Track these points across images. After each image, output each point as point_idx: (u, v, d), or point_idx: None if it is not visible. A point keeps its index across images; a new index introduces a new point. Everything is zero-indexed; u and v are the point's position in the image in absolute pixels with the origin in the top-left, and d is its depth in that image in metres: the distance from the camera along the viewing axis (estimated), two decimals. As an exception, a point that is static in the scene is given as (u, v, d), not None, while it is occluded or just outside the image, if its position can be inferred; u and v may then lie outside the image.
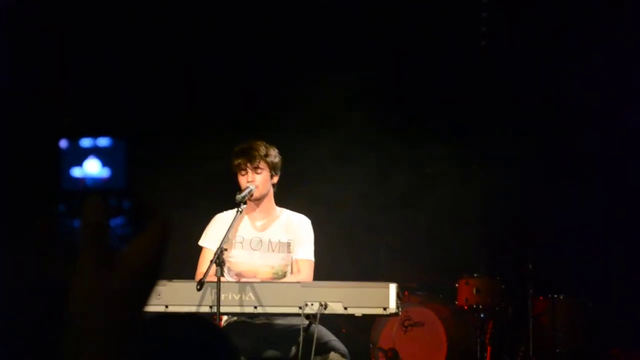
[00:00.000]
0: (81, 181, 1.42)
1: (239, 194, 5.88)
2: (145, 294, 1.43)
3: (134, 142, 1.47)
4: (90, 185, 1.42)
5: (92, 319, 1.37)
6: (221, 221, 6.12)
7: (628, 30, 8.54)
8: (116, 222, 1.43)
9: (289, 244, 6.11)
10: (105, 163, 1.43)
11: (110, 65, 7.86)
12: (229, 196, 6.13)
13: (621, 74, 8.53)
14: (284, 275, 6.08)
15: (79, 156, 1.42)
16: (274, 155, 6.09)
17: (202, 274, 5.46)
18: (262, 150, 6.03)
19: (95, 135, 1.44)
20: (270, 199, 6.16)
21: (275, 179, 6.12)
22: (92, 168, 1.42)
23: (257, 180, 5.99)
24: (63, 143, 1.43)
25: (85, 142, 1.43)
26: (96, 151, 1.43)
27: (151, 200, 1.47)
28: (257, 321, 5.81)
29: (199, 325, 2.33)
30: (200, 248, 6.16)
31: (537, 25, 8.81)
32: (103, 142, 1.43)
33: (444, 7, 8.93)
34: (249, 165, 5.98)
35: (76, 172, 1.42)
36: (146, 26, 8.24)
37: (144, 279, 1.42)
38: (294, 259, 6.10)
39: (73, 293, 1.38)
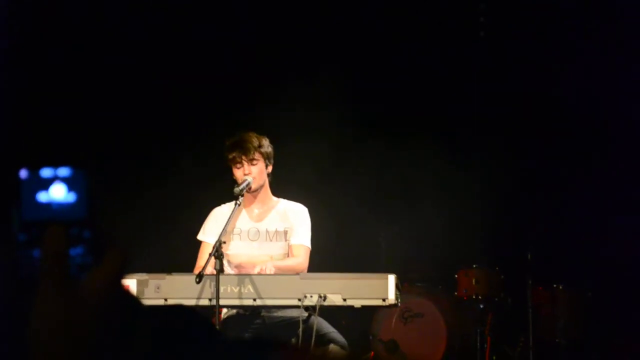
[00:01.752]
0: (45, 208, 1.42)
1: (237, 187, 5.89)
2: (104, 323, 1.44)
3: (94, 169, 1.49)
4: (53, 213, 1.42)
5: (52, 347, 1.38)
6: (219, 215, 6.13)
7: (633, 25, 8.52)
8: (76, 251, 1.44)
9: (286, 232, 6.12)
10: (73, 189, 1.43)
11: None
12: (224, 190, 6.15)
13: (626, 70, 8.52)
14: (284, 264, 6.09)
15: (40, 185, 1.43)
16: (267, 145, 6.10)
17: (201, 268, 5.47)
18: (255, 142, 6.03)
19: (55, 165, 1.45)
20: (266, 189, 6.17)
21: (270, 169, 6.13)
22: (58, 193, 1.43)
23: (253, 172, 6.00)
24: (23, 173, 1.43)
25: (46, 172, 1.44)
26: (57, 180, 1.44)
27: (110, 230, 1.49)
28: (257, 314, 5.81)
29: (186, 316, 2.34)
30: (199, 243, 6.17)
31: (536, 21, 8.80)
32: (63, 171, 1.44)
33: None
34: (244, 157, 5.99)
35: (42, 197, 1.42)
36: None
37: (103, 307, 1.43)
38: (290, 244, 6.11)
39: (33, 322, 1.38)
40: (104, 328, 1.43)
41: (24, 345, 1.38)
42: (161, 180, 8.49)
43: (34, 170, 1.44)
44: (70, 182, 1.43)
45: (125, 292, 1.48)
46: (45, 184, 1.43)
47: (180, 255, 6.96)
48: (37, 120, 7.49)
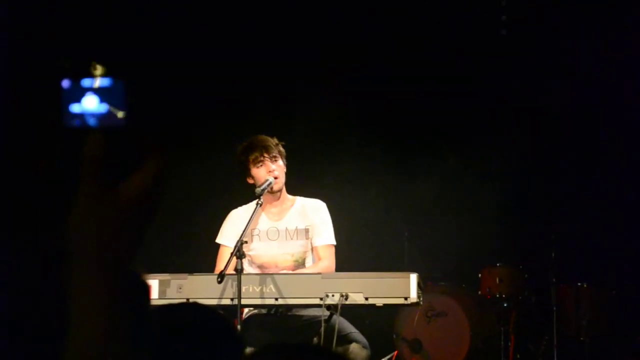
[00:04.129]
0: (80, 117, 1.45)
1: (259, 187, 5.90)
2: (141, 228, 1.47)
3: (133, 82, 1.50)
4: (90, 122, 1.45)
5: (90, 250, 1.41)
6: (236, 217, 6.15)
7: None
8: (114, 156, 1.47)
9: (306, 230, 6.12)
10: (103, 100, 1.46)
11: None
12: (236, 193, 6.18)
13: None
14: (304, 262, 6.09)
15: (79, 95, 1.46)
16: (280, 144, 6.13)
17: (224, 267, 5.47)
18: (273, 141, 6.07)
19: (94, 75, 1.47)
20: (283, 189, 6.19)
21: (285, 168, 6.15)
22: (91, 104, 1.45)
23: (277, 168, 6.02)
24: (65, 83, 1.46)
25: (86, 82, 1.47)
26: (96, 90, 1.46)
27: (149, 137, 1.51)
28: (278, 313, 5.82)
29: (204, 314, 2.35)
30: (218, 246, 6.18)
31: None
32: (103, 82, 1.47)
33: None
34: (266, 155, 6.00)
35: (75, 108, 1.45)
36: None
37: (140, 212, 1.46)
38: (313, 245, 6.11)
39: (71, 225, 1.41)
40: (142, 234, 1.46)
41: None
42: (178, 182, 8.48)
43: (76, 80, 1.46)
44: (107, 93, 1.46)
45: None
46: (83, 93, 1.46)
47: (193, 258, 6.98)
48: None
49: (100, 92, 1.45)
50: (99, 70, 1.47)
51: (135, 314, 1.56)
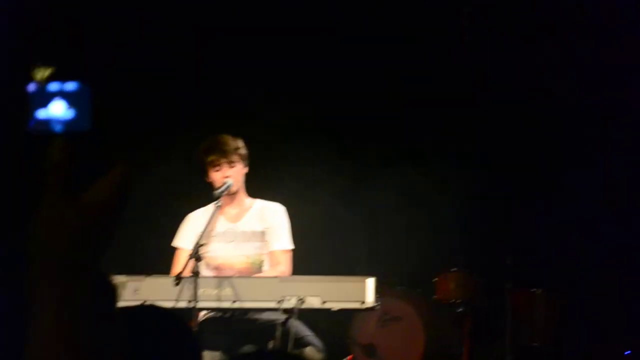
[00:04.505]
0: (45, 123, 1.44)
1: (217, 189, 5.89)
2: (106, 234, 1.47)
3: (100, 88, 1.49)
4: (56, 127, 1.45)
5: (52, 255, 1.41)
6: (194, 220, 6.14)
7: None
8: (79, 162, 1.47)
9: (263, 233, 6.12)
10: (71, 105, 1.45)
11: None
12: (195, 196, 6.17)
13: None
14: (261, 265, 6.08)
15: (46, 100, 1.45)
16: (243, 146, 6.11)
17: (182, 269, 5.46)
18: (233, 144, 6.04)
19: (62, 79, 1.46)
20: (242, 191, 6.18)
21: (246, 170, 6.14)
22: (58, 110, 1.44)
23: (233, 174, 6.01)
24: (31, 87, 1.45)
25: (53, 87, 1.46)
26: (63, 94, 1.45)
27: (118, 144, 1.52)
28: (235, 316, 5.81)
29: (161, 316, 2.35)
30: (174, 250, 6.17)
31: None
32: (70, 86, 1.46)
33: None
34: (223, 160, 5.99)
35: (41, 113, 1.44)
36: None
37: (105, 217, 1.46)
38: (270, 250, 6.11)
39: (36, 230, 1.42)
40: (106, 240, 1.46)
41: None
42: (137, 184, 8.41)
43: (43, 84, 1.45)
44: (74, 98, 1.45)
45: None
46: (49, 99, 1.45)
47: (152, 261, 6.96)
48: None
49: (66, 97, 1.45)
50: (41, 73, 1.46)
51: (103, 315, 1.56)
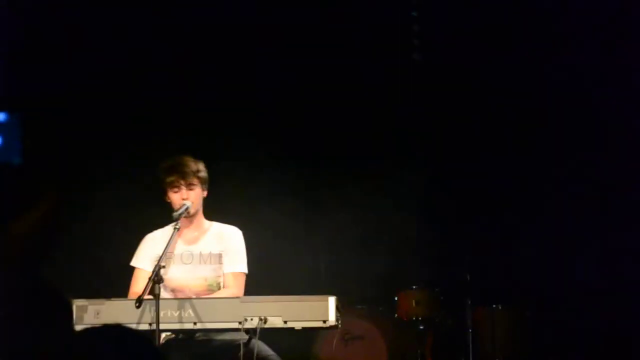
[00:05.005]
0: None
1: (176, 211, 5.88)
2: (31, 260, 1.49)
3: (31, 118, 1.50)
4: None
5: None
6: (152, 240, 6.13)
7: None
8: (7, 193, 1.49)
9: (220, 255, 6.11)
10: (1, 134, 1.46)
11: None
12: (154, 215, 6.16)
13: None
14: (219, 287, 6.08)
15: None
16: (204, 170, 6.10)
17: (137, 294, 5.44)
18: (194, 166, 6.03)
19: None
20: (200, 213, 6.18)
21: (205, 193, 6.14)
22: None
23: (191, 197, 6.01)
24: None
25: None
26: None
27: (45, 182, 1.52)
28: (197, 338, 5.79)
29: (125, 336, 2.35)
30: (132, 269, 6.15)
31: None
32: (1, 117, 1.46)
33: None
34: (182, 182, 5.98)
35: None
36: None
37: (31, 246, 1.48)
38: (224, 272, 6.11)
39: None
40: (32, 266, 1.47)
41: None
42: (92, 203, 8.39)
43: None
44: (3, 128, 1.46)
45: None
46: None
47: (106, 283, 6.93)
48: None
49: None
50: None
51: (59, 334, 1.57)
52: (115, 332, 2.36)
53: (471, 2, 8.85)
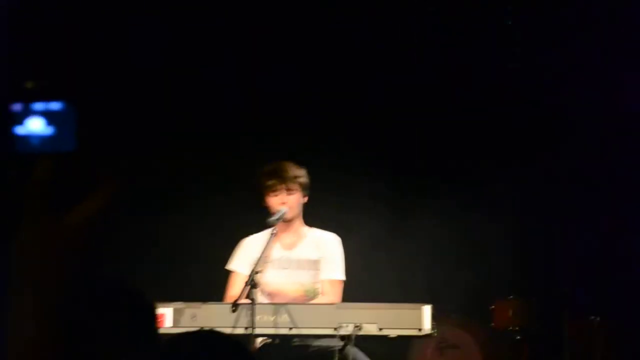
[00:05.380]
0: (26, 140, 1.43)
1: (271, 217, 5.90)
2: (86, 249, 1.47)
3: (85, 107, 1.48)
4: (36, 145, 1.44)
5: (31, 275, 1.41)
6: (249, 245, 6.16)
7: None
8: (63, 182, 1.46)
9: (318, 262, 6.12)
10: (53, 123, 1.44)
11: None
12: (247, 220, 6.20)
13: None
14: (316, 293, 6.09)
15: (25, 117, 1.44)
16: (304, 175, 6.11)
17: (233, 298, 5.47)
18: (294, 171, 6.05)
19: (48, 98, 1.45)
20: (300, 219, 6.18)
21: (306, 199, 6.15)
22: (36, 126, 1.43)
23: (290, 201, 6.02)
24: (17, 106, 1.44)
25: (37, 106, 1.45)
26: (46, 114, 1.44)
27: (101, 166, 1.50)
28: (292, 343, 5.81)
29: (215, 341, 2.35)
30: (228, 273, 6.19)
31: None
32: (54, 105, 1.45)
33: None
34: (282, 186, 6.00)
35: (20, 130, 1.43)
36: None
37: (87, 238, 1.46)
38: (322, 279, 6.11)
39: (15, 249, 1.41)
40: (86, 256, 1.45)
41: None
42: (183, 207, 8.46)
43: (27, 103, 1.44)
44: (51, 116, 1.44)
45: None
46: (32, 117, 1.44)
47: (203, 287, 6.98)
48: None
49: (49, 116, 1.43)
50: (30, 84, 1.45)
51: (142, 339, 1.57)
52: (209, 338, 2.36)
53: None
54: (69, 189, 1.48)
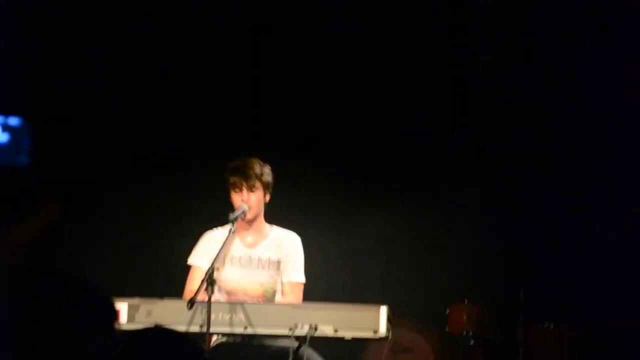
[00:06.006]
0: None
1: (232, 213, 5.89)
2: (30, 264, 1.47)
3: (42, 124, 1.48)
4: None
5: None
6: (211, 239, 6.12)
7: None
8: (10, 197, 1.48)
9: (278, 262, 6.12)
10: (9, 139, 1.45)
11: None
12: (215, 213, 6.18)
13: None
14: (274, 293, 6.08)
15: None
16: (268, 173, 6.10)
17: (192, 292, 5.45)
18: (258, 169, 6.03)
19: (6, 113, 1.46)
20: (261, 217, 6.18)
21: (268, 198, 6.14)
22: None
23: (251, 199, 6.01)
24: None
25: None
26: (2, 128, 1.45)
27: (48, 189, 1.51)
28: (247, 342, 5.79)
29: (176, 339, 2.34)
30: (189, 266, 6.17)
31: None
32: (11, 121, 1.45)
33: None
34: (244, 184, 5.99)
35: None
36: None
37: (29, 254, 1.48)
38: (283, 281, 6.11)
39: None
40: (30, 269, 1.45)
41: None
42: (149, 202, 8.45)
43: None
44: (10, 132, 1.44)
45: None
46: None
47: (163, 279, 6.96)
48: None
49: (5, 131, 1.43)
50: None
51: (101, 336, 1.55)
52: (162, 336, 2.35)
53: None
54: (18, 204, 1.48)
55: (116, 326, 1.92)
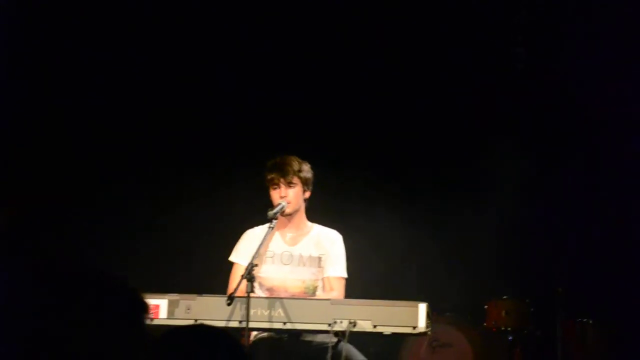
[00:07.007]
0: None
1: (271, 209, 5.91)
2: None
3: None
4: None
5: None
6: (251, 237, 6.15)
7: None
8: None
9: (319, 259, 6.13)
10: None
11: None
12: (256, 212, 6.19)
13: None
14: (315, 290, 6.09)
15: None
16: (307, 170, 6.12)
17: (233, 289, 5.47)
18: (296, 165, 6.06)
19: None
20: (301, 214, 6.19)
21: (307, 194, 6.15)
22: None
23: (289, 195, 6.03)
24: None
25: None
26: None
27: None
28: (286, 337, 5.80)
29: (215, 336, 2.35)
30: (231, 264, 6.19)
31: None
32: None
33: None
34: (282, 180, 6.02)
35: None
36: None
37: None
38: (325, 276, 6.12)
39: None
40: None
41: None
42: (189, 200, 8.51)
43: None
44: None
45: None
46: None
47: (209, 277, 6.99)
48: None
49: None
50: None
51: (131, 331, 1.56)
52: (203, 333, 2.36)
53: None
54: None
55: (146, 320, 1.93)
